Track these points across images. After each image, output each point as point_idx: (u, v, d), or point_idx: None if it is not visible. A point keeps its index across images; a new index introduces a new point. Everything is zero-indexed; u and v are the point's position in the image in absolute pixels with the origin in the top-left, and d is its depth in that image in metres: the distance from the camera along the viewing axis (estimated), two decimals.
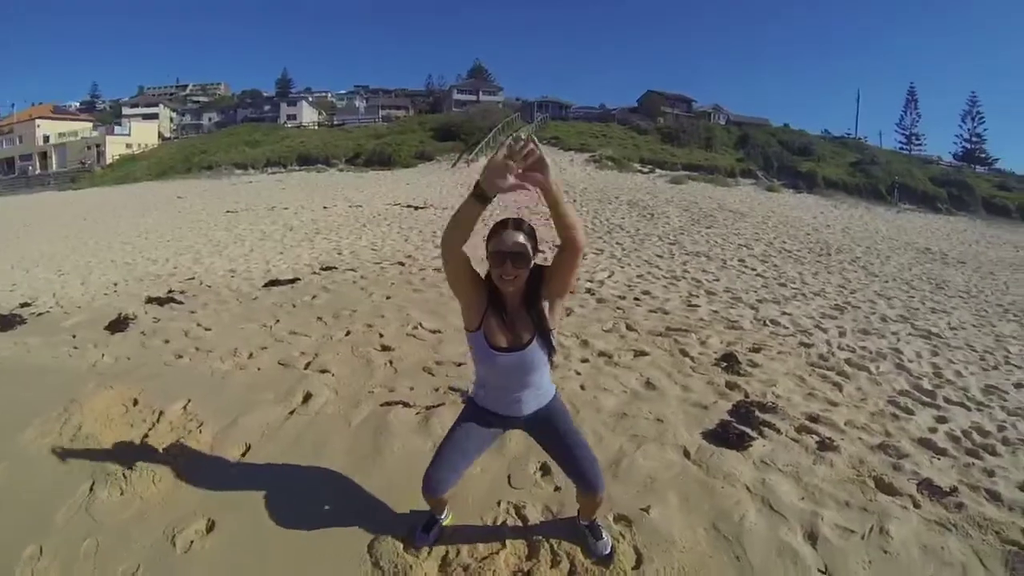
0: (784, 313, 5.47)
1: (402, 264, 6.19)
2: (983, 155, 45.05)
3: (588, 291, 5.68)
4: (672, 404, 3.22)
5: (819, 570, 2.09)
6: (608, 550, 1.95)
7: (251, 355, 3.55)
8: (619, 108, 42.34)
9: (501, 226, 1.55)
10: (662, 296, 5.70)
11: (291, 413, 2.79)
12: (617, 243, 8.96)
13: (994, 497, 2.59)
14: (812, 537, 2.24)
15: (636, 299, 5.49)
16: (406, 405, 2.90)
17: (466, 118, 29.97)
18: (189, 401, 2.94)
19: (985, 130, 46.13)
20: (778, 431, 3.08)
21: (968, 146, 45.95)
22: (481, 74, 57.76)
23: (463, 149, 23.98)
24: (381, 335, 3.88)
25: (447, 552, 1.96)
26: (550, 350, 1.60)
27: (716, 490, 2.47)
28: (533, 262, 1.55)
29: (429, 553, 1.95)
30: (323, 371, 3.27)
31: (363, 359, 3.47)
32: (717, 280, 6.69)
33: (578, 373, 3.52)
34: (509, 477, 2.44)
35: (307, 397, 2.96)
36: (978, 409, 3.65)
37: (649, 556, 2.03)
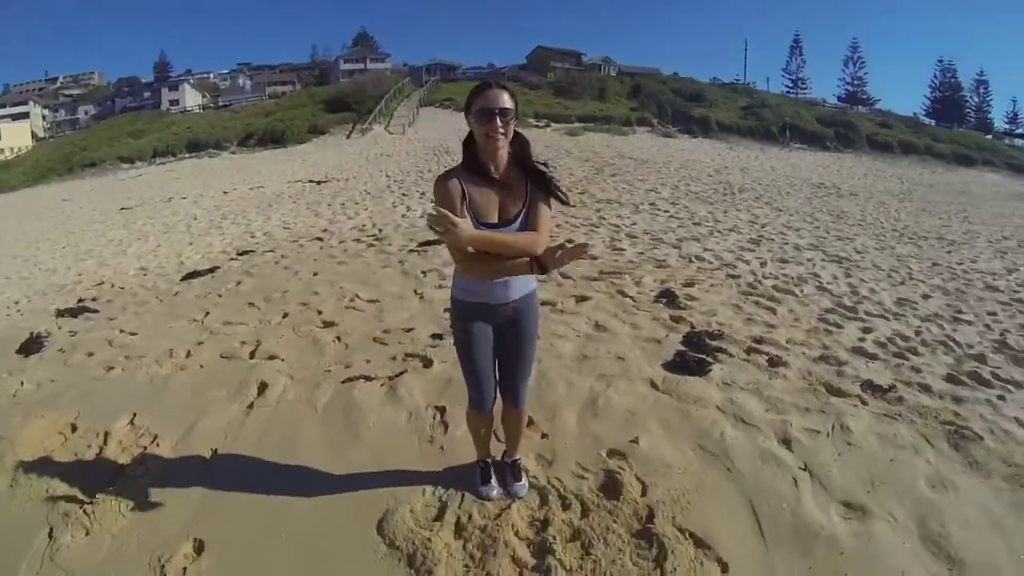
0: (706, 249, 5.82)
1: (320, 240, 6.08)
2: (865, 96, 49.82)
3: None
4: (626, 342, 3.29)
5: (800, 467, 2.25)
6: (524, 492, 1.99)
7: (189, 353, 3.34)
8: (509, 66, 43.04)
9: (485, 87, 1.52)
10: (586, 242, 5.77)
11: (250, 407, 2.64)
12: None
13: (925, 389, 2.95)
14: (786, 441, 2.42)
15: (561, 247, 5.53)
16: (367, 379, 2.83)
17: (356, 87, 29.88)
18: (135, 415, 2.68)
19: (866, 73, 51.55)
20: (730, 355, 3.25)
21: (851, 88, 50.84)
22: (366, 42, 56.91)
23: (356, 119, 24.00)
24: (320, 312, 3.77)
25: (459, 517, 1.91)
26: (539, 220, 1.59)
27: (692, 414, 2.56)
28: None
29: (441, 521, 1.89)
30: (271, 357, 3.13)
31: (309, 339, 3.36)
32: (634, 224, 6.94)
33: None
34: (495, 432, 2.35)
35: (263, 387, 2.81)
36: (895, 318, 4.12)
37: (652, 483, 2.10)
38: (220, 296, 4.46)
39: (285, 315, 3.78)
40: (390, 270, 4.77)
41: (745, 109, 31.14)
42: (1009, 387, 3.08)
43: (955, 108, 51.15)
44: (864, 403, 2.83)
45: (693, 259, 5.40)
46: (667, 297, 4.22)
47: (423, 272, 4.70)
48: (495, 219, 1.56)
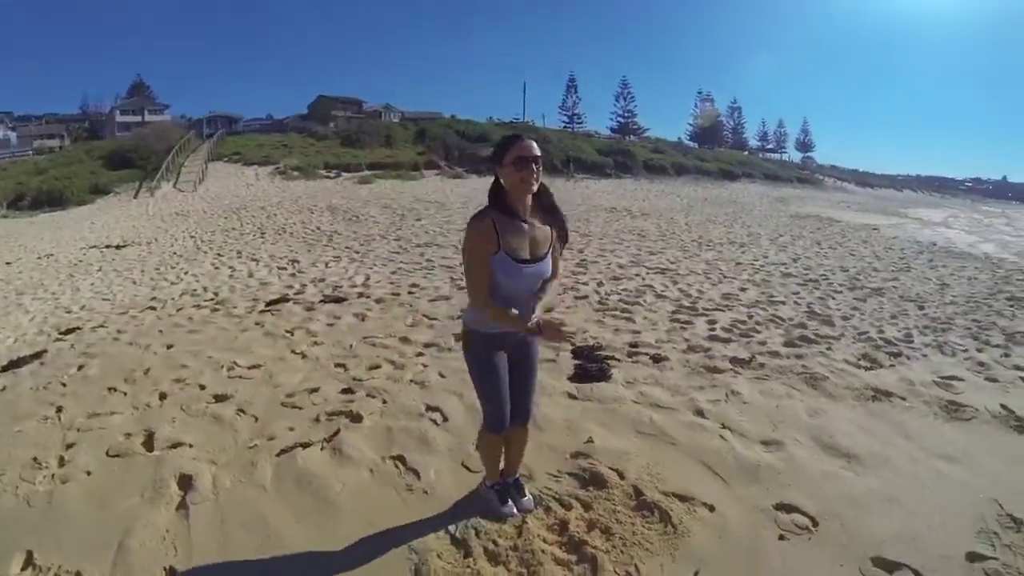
0: None
1: (153, 309, 6.02)
2: (636, 127, 61.58)
3: (360, 295, 6.08)
4: None
5: (719, 427, 3.02)
6: (532, 505, 2.30)
7: (62, 461, 2.97)
8: (291, 116, 46.90)
9: (517, 138, 1.89)
10: (430, 284, 6.52)
11: (182, 507, 2.46)
12: (346, 247, 9.40)
13: (775, 355, 4.23)
14: (699, 412, 3.25)
15: (411, 292, 6.08)
16: (304, 445, 2.86)
17: (139, 141, 30.64)
18: (30, 553, 2.26)
19: (636, 106, 63.07)
20: (618, 360, 4.04)
21: (622, 120, 62.25)
22: (143, 91, 58.61)
23: (143, 176, 24.27)
24: (202, 387, 3.72)
25: (486, 546, 2.08)
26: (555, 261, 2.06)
27: (617, 410, 3.18)
28: None
29: (472, 556, 2.04)
30: (175, 445, 2.98)
31: (207, 417, 3.29)
32: (461, 264, 7.74)
33: (425, 366, 3.95)
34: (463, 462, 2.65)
35: (185, 481, 2.64)
36: (728, 309, 5.55)
37: (623, 468, 2.60)
38: (65, 385, 4.11)
39: (163, 396, 3.65)
40: (252, 333, 4.87)
41: None
42: (829, 341, 4.60)
43: (714, 131, 68.30)
44: (738, 373, 3.84)
45: None
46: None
47: (288, 332, 4.85)
48: (528, 256, 1.91)
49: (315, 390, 3.52)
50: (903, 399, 3.54)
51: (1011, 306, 6.25)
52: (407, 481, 2.51)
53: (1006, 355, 4.47)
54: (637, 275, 7.26)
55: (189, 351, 4.50)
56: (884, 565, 2.04)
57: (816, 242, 11.85)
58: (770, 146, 78.40)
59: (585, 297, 5.95)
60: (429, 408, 3.22)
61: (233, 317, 5.44)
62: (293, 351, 4.29)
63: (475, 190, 23.29)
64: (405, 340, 4.50)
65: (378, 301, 5.78)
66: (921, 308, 5.99)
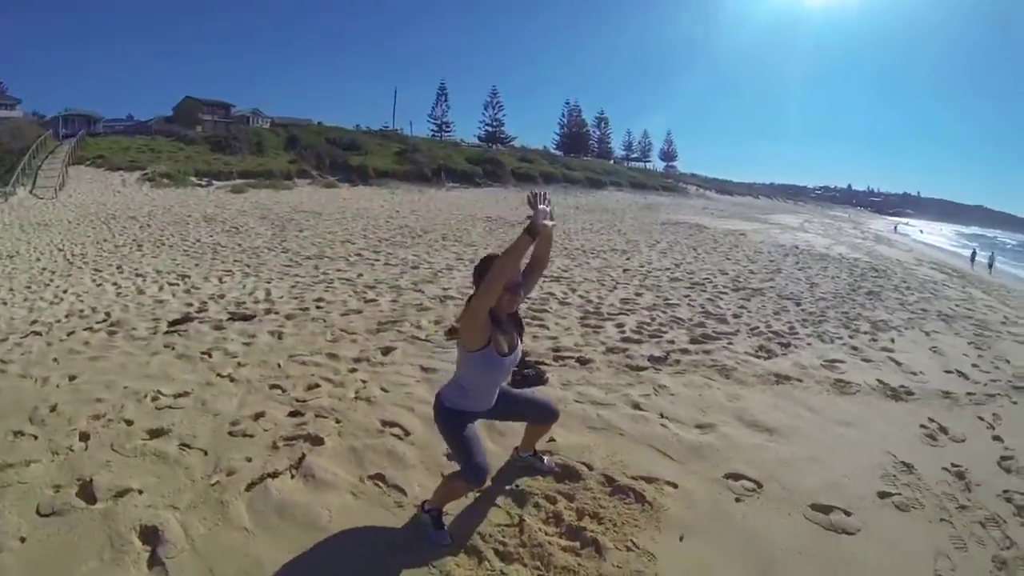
0: (444, 289, 7.29)
1: (39, 334, 5.47)
2: (503, 135, 65.88)
3: (268, 312, 5.86)
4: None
5: (658, 416, 3.55)
6: (554, 465, 2.85)
7: None
8: (155, 118, 46.92)
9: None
10: (336, 299, 6.53)
11: (154, 564, 2.31)
12: (235, 260, 9.02)
13: (685, 351, 4.90)
14: (636, 405, 3.75)
15: (319, 307, 6.07)
16: (272, 475, 2.85)
17: None
18: None
19: (504, 115, 66.72)
20: (548, 364, 4.45)
21: (490, 129, 66.39)
22: None
23: None
24: (129, 422, 3.50)
25: (496, 548, 2.30)
26: None
27: (565, 410, 3.56)
28: None
29: (487, 560, 2.24)
30: (122, 493, 2.77)
31: (149, 457, 3.12)
32: (361, 275, 7.94)
33: (364, 382, 4.05)
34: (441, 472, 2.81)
35: (148, 533, 2.47)
36: (631, 313, 6.25)
37: (588, 460, 2.98)
38: None
39: (84, 436, 3.37)
40: (164, 357, 4.64)
41: (399, 154, 37.99)
42: (728, 336, 5.46)
43: (581, 140, 75.32)
44: (659, 370, 4.43)
45: (443, 299, 6.51)
46: (455, 332, 5.09)
47: (205, 353, 4.66)
48: (507, 351, 2.36)
49: (260, 415, 3.47)
50: (800, 381, 4.35)
51: (870, 299, 7.83)
52: (394, 499, 2.60)
53: (873, 340, 5.64)
54: (540, 286, 7.75)
55: (99, 382, 4.17)
56: (821, 509, 2.61)
57: (692, 248, 13.47)
58: (635, 155, 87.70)
59: None
60: (385, 424, 3.33)
61: (136, 340, 5.14)
62: (219, 374, 4.10)
63: (348, 199, 23.50)
64: (333, 356, 4.51)
65: (289, 317, 5.69)
66: (798, 304, 7.22)
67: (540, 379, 4.15)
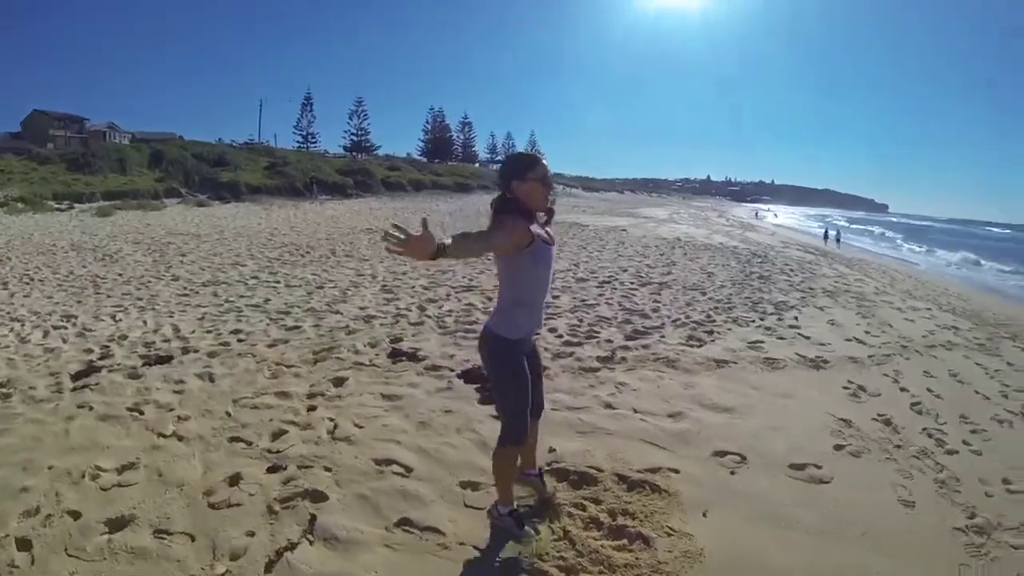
0: (362, 308, 7.34)
1: None
2: (368, 145, 70.31)
3: (185, 351, 5.54)
4: (432, 398, 4.35)
5: (632, 411, 4.09)
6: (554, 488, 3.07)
7: None
8: (0, 134, 46.00)
9: (538, 159, 2.48)
10: (255, 328, 6.34)
11: None
12: (123, 294, 8.30)
13: (626, 349, 5.51)
14: (608, 405, 4.28)
15: (240, 340, 5.87)
16: (289, 548, 2.72)
17: None
18: None
19: (369, 124, 71.36)
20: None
21: (356, 139, 70.59)
22: None
23: None
24: (76, 514, 3.01)
25: (556, 564, 2.51)
26: None
27: (546, 419, 3.71)
28: None
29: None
30: None
31: (124, 556, 2.72)
32: (269, 300, 7.71)
33: (331, 420, 4.03)
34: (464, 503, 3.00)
35: None
36: (557, 317, 6.85)
37: (595, 463, 3.40)
38: None
39: (24, 544, 2.80)
40: (84, 422, 4.10)
41: (269, 168, 37.85)
42: (658, 330, 6.23)
43: (445, 146, 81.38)
44: (611, 369, 4.99)
45: (367, 319, 6.65)
46: (400, 353, 5.33)
47: (134, 410, 4.22)
48: (552, 243, 2.55)
49: (236, 478, 3.26)
50: (735, 363, 5.14)
51: (764, 283, 9.14)
52: (435, 542, 2.67)
53: (780, 319, 6.71)
54: (448, 296, 8.06)
55: (12, 465, 3.47)
56: (797, 467, 3.32)
57: (582, 247, 14.49)
58: (499, 158, 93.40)
59: (422, 323, 6.47)
60: (380, 463, 3.36)
61: (40, 403, 4.51)
62: (161, 434, 3.74)
63: (223, 218, 22.62)
64: (283, 395, 4.40)
65: (212, 355, 5.40)
66: (704, 294, 8.26)
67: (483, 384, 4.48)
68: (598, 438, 3.69)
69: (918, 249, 32.62)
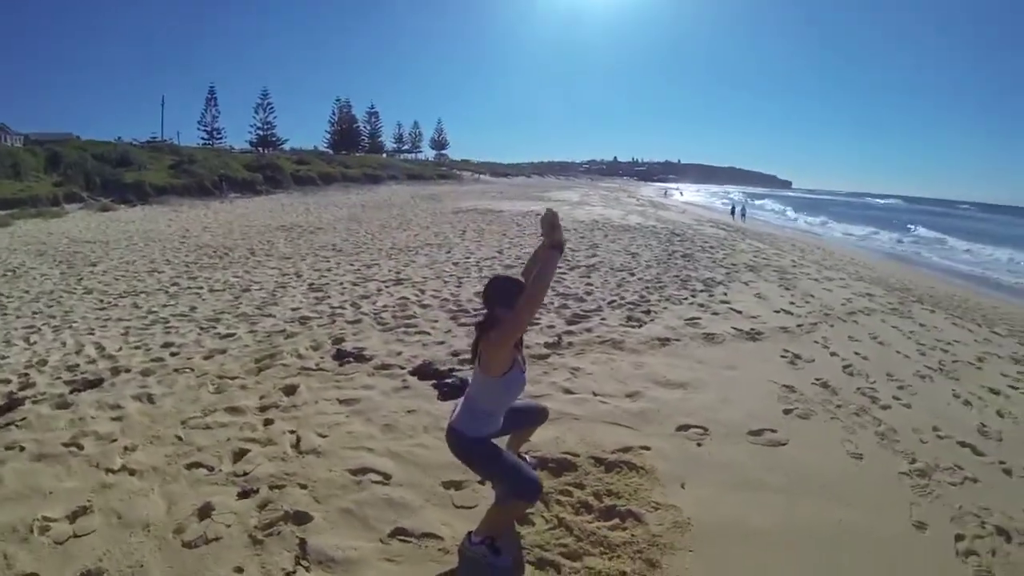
0: (294, 309, 7.17)
1: None
2: (275, 139, 71.10)
3: (115, 371, 5.18)
4: (391, 400, 4.34)
5: (592, 394, 4.32)
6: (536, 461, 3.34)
7: None
8: None
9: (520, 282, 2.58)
10: (185, 340, 6.03)
11: None
12: (33, 312, 7.54)
13: (570, 334, 5.81)
14: (568, 391, 4.47)
15: (173, 355, 5.53)
16: (238, 571, 2.67)
17: None
18: None
19: (275, 117, 72.00)
20: (461, 369, 4.93)
21: (261, 133, 71.12)
22: None
23: None
24: None
25: (560, 552, 2.64)
26: None
27: None
28: None
29: (558, 564, 2.59)
30: None
31: None
32: (195, 308, 7.37)
33: (292, 432, 3.94)
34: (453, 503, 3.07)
35: None
36: None
37: (571, 449, 3.60)
38: None
39: None
40: (19, 465, 3.70)
41: (175, 167, 36.37)
42: (596, 313, 6.57)
43: (352, 137, 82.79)
44: (560, 355, 5.21)
45: (302, 320, 6.51)
46: (346, 354, 5.28)
47: (72, 445, 3.86)
48: (524, 367, 2.71)
49: (207, 510, 3.07)
50: (678, 340, 5.49)
51: (687, 261, 9.70)
52: (435, 546, 2.71)
53: (710, 296, 7.19)
54: (379, 290, 8.01)
55: None
56: (755, 432, 3.69)
57: (502, 234, 14.73)
58: (406, 147, 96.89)
59: (358, 321, 6.41)
60: (356, 472, 3.33)
61: None
62: (109, 470, 3.45)
63: (130, 222, 21.13)
64: (234, 411, 4.21)
65: (146, 373, 5.05)
66: (633, 275, 8.67)
67: (466, 384, 4.58)
68: (566, 424, 3.85)
69: (814, 220, 35.83)
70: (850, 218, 40.00)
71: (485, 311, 2.55)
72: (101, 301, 8.07)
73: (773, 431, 3.68)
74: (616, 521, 2.82)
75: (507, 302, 2.43)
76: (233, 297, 7.91)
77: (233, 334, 6.10)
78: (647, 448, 3.48)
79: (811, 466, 3.31)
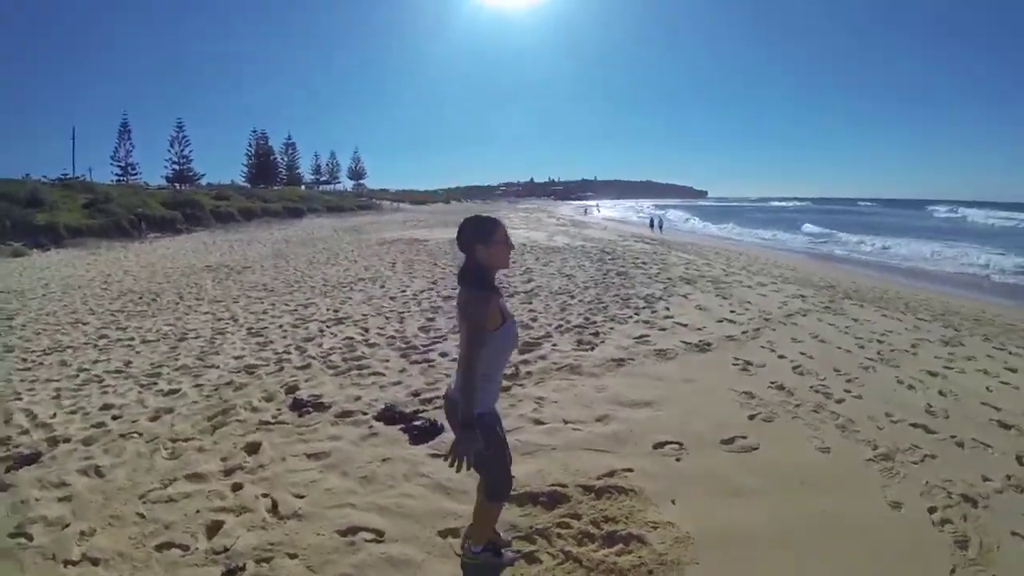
0: (237, 357, 6.85)
1: None
2: (191, 173, 69.05)
3: (52, 441, 4.72)
4: (358, 449, 4.24)
5: (563, 423, 4.34)
6: None
7: None
8: None
9: (500, 222, 2.61)
10: (126, 400, 5.54)
11: None
12: None
13: (526, 363, 5.80)
14: (538, 421, 4.54)
15: (115, 418, 5.09)
16: None
17: None
18: None
19: (191, 151, 70.25)
20: (427, 410, 4.88)
21: (178, 167, 68.87)
22: None
23: None
24: None
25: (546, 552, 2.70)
26: None
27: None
28: None
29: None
30: None
31: None
32: (130, 363, 6.89)
33: (265, 496, 3.76)
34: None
35: None
36: (443, 340, 6.95)
37: (558, 480, 3.66)
38: None
39: None
40: None
41: (89, 206, 34.71)
42: (546, 340, 6.68)
43: (270, 169, 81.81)
44: (521, 385, 5.34)
45: (249, 369, 6.25)
46: (303, 404, 5.16)
47: (19, 535, 3.48)
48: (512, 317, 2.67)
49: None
50: (632, 360, 5.71)
51: (625, 280, 10.07)
52: None
53: (653, 312, 7.50)
54: (321, 331, 7.80)
55: None
56: (727, 441, 3.91)
57: (432, 264, 14.69)
58: (324, 178, 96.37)
59: (307, 366, 6.23)
60: (347, 533, 3.20)
61: None
62: (68, 562, 3.06)
63: (45, 268, 19.38)
64: (197, 477, 3.92)
65: (88, 443, 4.62)
66: (573, 297, 8.91)
67: (437, 428, 4.52)
68: (545, 455, 3.91)
69: (726, 227, 38.19)
70: (754, 222, 42.98)
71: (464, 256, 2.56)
72: (24, 360, 7.44)
73: (743, 437, 3.90)
74: (620, 546, 2.90)
75: (483, 237, 2.49)
76: (169, 348, 7.50)
77: (177, 390, 5.78)
78: (630, 470, 3.59)
79: (785, 465, 3.56)
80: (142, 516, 3.54)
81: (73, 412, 5.45)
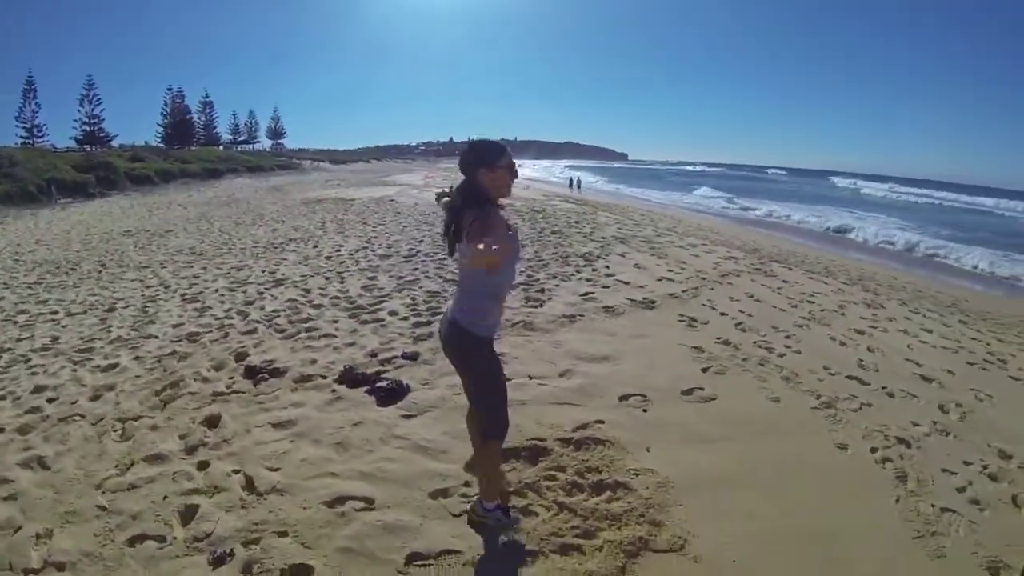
0: (176, 324, 6.51)
1: None
2: (103, 134, 65.68)
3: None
4: (326, 416, 4.10)
5: (528, 378, 4.42)
6: None
7: None
8: None
9: (505, 148, 2.57)
10: (60, 381, 5.02)
11: None
12: None
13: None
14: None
15: (51, 400, 4.66)
16: None
17: None
18: None
19: (103, 110, 66.08)
20: (390, 371, 4.83)
21: (88, 128, 65.18)
22: None
23: None
24: None
25: (571, 533, 2.77)
26: None
27: (457, 405, 4.11)
28: None
29: (574, 547, 2.71)
30: None
31: None
32: (57, 339, 6.33)
33: (237, 471, 3.55)
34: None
35: None
36: (390, 299, 6.86)
37: (536, 435, 3.75)
38: None
39: None
40: None
41: None
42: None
43: (187, 130, 77.96)
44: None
45: (192, 337, 5.90)
46: (257, 371, 4.97)
47: None
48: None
49: None
50: (583, 316, 5.85)
51: (561, 239, 10.26)
52: (459, 561, 2.64)
53: (594, 270, 7.71)
54: (259, 294, 7.49)
55: None
56: (687, 392, 4.15)
57: (362, 223, 14.35)
58: (243, 138, 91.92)
59: (253, 331, 5.98)
60: (332, 504, 3.05)
61: None
62: (30, 571, 2.73)
63: None
64: (157, 459, 3.60)
65: (24, 431, 4.18)
66: None
67: (404, 388, 4.48)
68: (516, 410, 3.90)
69: (636, 190, 39.39)
70: (686, 185, 44.89)
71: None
72: None
73: (701, 388, 4.16)
74: (609, 494, 3.05)
75: (488, 162, 2.47)
76: (99, 319, 6.97)
77: (116, 364, 5.38)
78: (601, 422, 3.74)
79: (743, 413, 3.85)
80: (103, 509, 3.19)
81: (1, 398, 4.93)
